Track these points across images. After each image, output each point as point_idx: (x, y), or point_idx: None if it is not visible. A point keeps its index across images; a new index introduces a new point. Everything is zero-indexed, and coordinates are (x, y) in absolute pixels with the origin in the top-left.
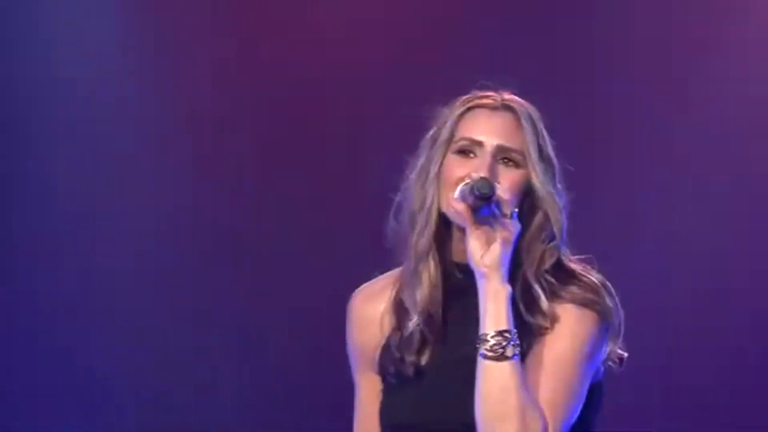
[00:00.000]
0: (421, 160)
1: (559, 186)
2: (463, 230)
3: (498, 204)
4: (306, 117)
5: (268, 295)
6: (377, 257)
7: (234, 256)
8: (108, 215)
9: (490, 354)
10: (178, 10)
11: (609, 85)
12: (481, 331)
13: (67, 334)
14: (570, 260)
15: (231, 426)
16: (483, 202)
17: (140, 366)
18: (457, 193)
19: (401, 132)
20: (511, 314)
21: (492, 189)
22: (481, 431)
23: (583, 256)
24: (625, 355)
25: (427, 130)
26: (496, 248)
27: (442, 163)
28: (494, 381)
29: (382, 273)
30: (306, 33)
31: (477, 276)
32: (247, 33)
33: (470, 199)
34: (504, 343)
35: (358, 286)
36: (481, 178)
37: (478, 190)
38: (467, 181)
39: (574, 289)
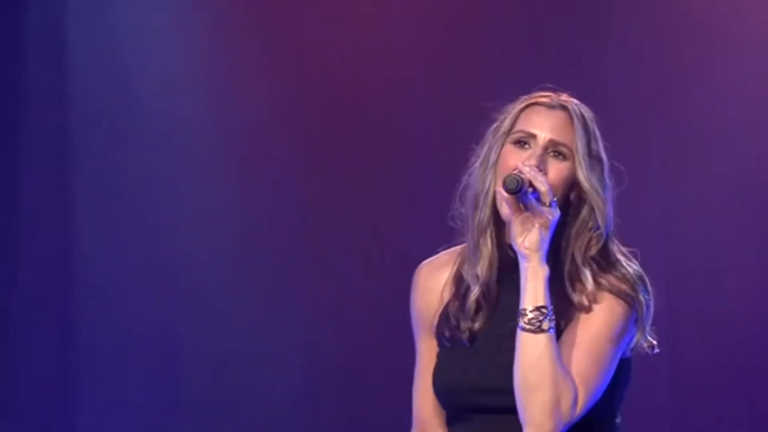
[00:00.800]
0: (485, 149)
1: (607, 181)
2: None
3: (537, 193)
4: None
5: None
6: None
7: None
8: (205, 211)
9: (528, 327)
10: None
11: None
12: (521, 306)
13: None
14: (618, 249)
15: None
16: (514, 195)
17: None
18: (502, 183)
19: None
20: (548, 292)
21: (518, 184)
22: (518, 398)
23: (628, 249)
24: (655, 342)
25: (493, 122)
26: (535, 232)
27: (500, 152)
28: (531, 351)
29: (446, 249)
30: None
31: (519, 257)
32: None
33: (509, 187)
34: (541, 318)
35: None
36: (511, 174)
37: (506, 185)
38: (514, 174)
39: (613, 279)
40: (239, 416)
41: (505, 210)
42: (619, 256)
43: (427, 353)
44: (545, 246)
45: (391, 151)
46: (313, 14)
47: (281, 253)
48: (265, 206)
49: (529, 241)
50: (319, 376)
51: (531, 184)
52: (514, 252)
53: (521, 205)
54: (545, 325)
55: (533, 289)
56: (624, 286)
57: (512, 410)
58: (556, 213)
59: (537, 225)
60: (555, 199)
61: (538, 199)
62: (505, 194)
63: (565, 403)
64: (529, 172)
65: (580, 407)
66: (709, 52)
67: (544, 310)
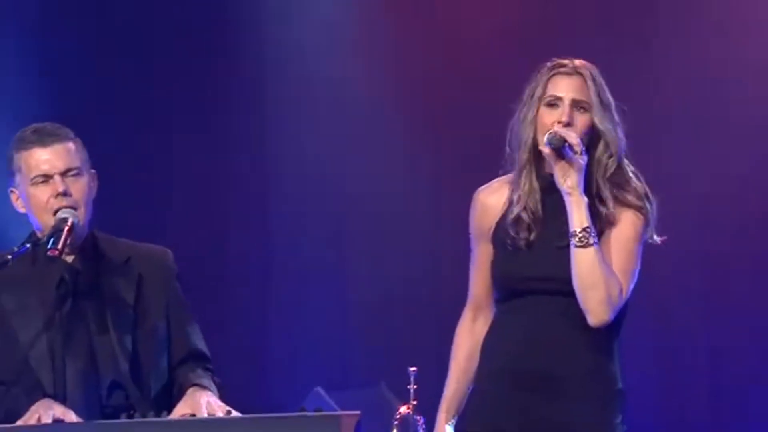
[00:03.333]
0: (524, 108)
1: (616, 118)
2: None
3: (571, 147)
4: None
5: None
6: None
7: None
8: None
9: (579, 244)
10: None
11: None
12: (571, 229)
13: None
14: (629, 168)
15: None
16: (559, 148)
17: None
18: (545, 142)
19: None
20: (589, 215)
21: (560, 141)
22: (579, 297)
23: (633, 170)
24: (658, 239)
25: (528, 84)
26: (573, 175)
27: (537, 112)
28: (584, 261)
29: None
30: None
31: (563, 194)
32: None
33: (551, 145)
34: (587, 236)
35: None
36: (555, 134)
37: (549, 143)
38: (550, 131)
39: (629, 197)
40: None
41: (545, 154)
42: (631, 175)
43: (483, 254)
44: (582, 183)
45: None
46: None
47: None
48: None
49: (570, 182)
50: None
51: (566, 141)
52: (550, 179)
53: (560, 156)
54: (591, 240)
55: (578, 215)
56: (639, 203)
57: (558, 293)
58: (585, 158)
59: (574, 168)
60: (584, 147)
61: (572, 149)
62: (548, 150)
63: (615, 294)
64: (564, 131)
65: (625, 294)
66: None
67: (588, 230)
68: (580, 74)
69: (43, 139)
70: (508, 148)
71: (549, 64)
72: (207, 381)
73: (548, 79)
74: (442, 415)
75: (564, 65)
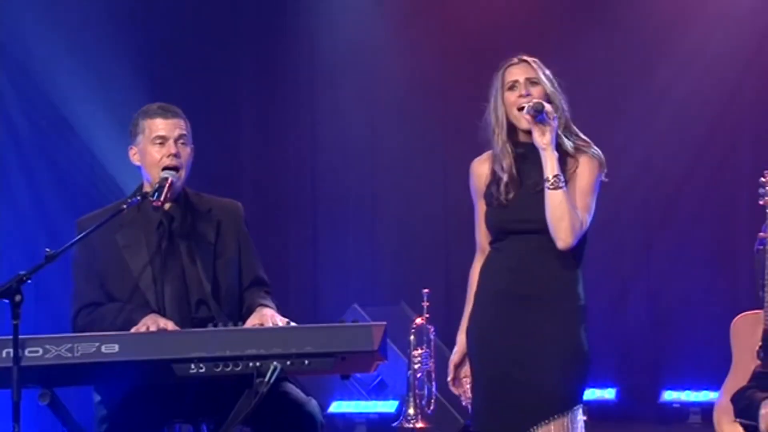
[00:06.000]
0: (493, 97)
1: (559, 89)
2: (527, 130)
3: (546, 113)
4: None
5: None
6: None
7: None
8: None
9: (551, 187)
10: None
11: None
12: (545, 176)
13: None
14: (575, 127)
15: None
16: (538, 114)
17: None
18: (525, 111)
19: None
20: (558, 166)
21: (542, 106)
22: (551, 227)
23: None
24: (605, 179)
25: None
26: (548, 133)
27: (503, 96)
28: (555, 200)
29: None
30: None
31: (539, 149)
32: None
33: (531, 112)
34: (558, 181)
35: None
36: (533, 104)
37: (529, 111)
38: (530, 103)
39: (583, 144)
40: None
41: (524, 124)
42: (578, 131)
43: (481, 210)
44: (554, 141)
45: None
46: None
47: None
48: None
49: (545, 139)
50: None
51: (543, 108)
52: (523, 148)
53: (537, 121)
54: (560, 184)
55: (551, 165)
56: (593, 149)
57: (534, 232)
58: (556, 122)
59: (548, 129)
60: (556, 115)
61: (547, 115)
62: (528, 117)
63: (577, 225)
64: (540, 101)
65: (585, 225)
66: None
67: (558, 177)
68: (526, 61)
69: (165, 112)
70: (483, 128)
71: (502, 63)
72: (270, 302)
73: (504, 72)
74: (461, 335)
75: (512, 60)
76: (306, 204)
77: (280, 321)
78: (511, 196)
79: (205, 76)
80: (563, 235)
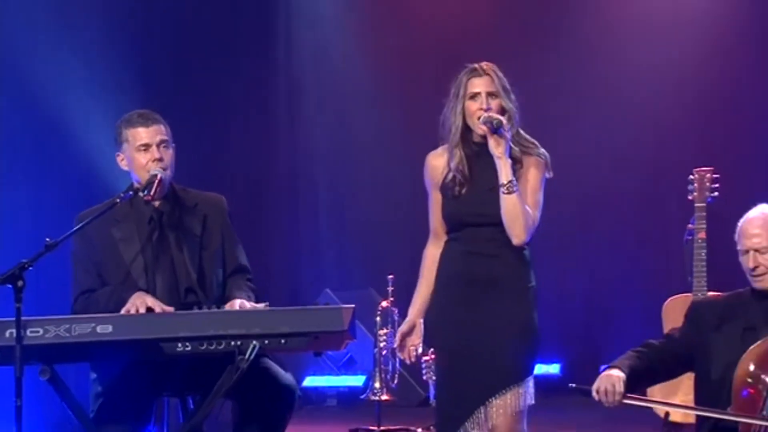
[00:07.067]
0: (452, 102)
1: (513, 99)
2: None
3: (502, 125)
4: None
5: None
6: None
7: None
8: None
9: (506, 192)
10: None
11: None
12: (500, 182)
13: None
14: (523, 132)
15: None
16: (496, 129)
17: None
18: (482, 122)
19: None
20: (512, 172)
21: (500, 122)
22: (507, 228)
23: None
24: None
25: (450, 88)
26: (503, 144)
27: (464, 104)
28: (510, 203)
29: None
30: None
31: (495, 158)
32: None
33: (489, 126)
34: (512, 186)
35: None
36: (490, 118)
37: (491, 122)
38: (486, 115)
39: (532, 147)
40: None
41: (481, 132)
42: (526, 136)
43: (435, 199)
44: (508, 150)
45: None
46: None
47: None
48: None
49: (500, 149)
50: None
51: (501, 123)
52: (478, 147)
53: (493, 132)
54: (514, 189)
55: (506, 172)
56: (540, 150)
57: (487, 224)
58: (510, 133)
59: (503, 141)
60: (510, 126)
61: (503, 128)
62: (486, 128)
63: (530, 222)
64: (497, 116)
65: (537, 221)
66: None
67: (512, 182)
68: (488, 74)
69: (146, 121)
70: (441, 129)
71: (466, 69)
72: (245, 292)
73: (467, 81)
74: (412, 309)
75: (476, 70)
76: (287, 197)
77: (252, 308)
78: (464, 191)
79: (202, 76)
80: (518, 233)
